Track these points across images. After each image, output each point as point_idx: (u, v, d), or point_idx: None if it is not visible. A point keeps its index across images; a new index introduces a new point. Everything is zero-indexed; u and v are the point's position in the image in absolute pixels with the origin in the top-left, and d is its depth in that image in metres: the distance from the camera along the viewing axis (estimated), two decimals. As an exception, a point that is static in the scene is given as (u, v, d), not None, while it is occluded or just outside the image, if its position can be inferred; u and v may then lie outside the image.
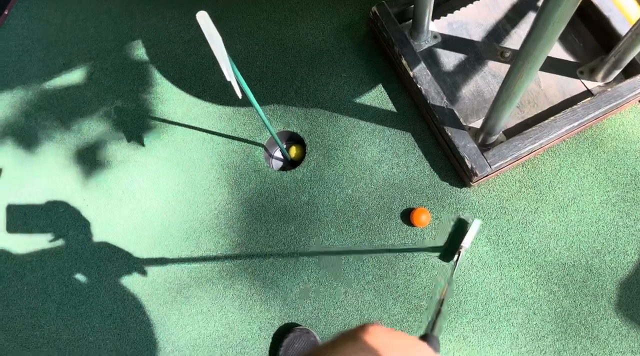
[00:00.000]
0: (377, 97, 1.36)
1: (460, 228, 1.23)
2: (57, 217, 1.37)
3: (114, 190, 1.38)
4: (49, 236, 1.36)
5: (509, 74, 0.94)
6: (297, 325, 1.21)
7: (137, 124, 1.43)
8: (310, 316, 1.21)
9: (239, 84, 0.88)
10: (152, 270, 1.29)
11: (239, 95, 0.87)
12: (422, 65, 1.26)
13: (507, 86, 0.97)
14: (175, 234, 1.32)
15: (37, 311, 1.30)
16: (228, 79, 0.81)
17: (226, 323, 1.23)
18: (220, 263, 1.28)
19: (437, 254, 1.22)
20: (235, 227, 1.30)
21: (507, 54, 1.32)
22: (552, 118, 1.18)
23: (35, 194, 1.40)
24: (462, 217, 1.23)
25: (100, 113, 1.46)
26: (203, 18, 0.75)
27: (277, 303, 1.23)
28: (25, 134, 1.47)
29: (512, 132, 1.23)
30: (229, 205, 1.32)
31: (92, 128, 1.45)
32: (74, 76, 1.51)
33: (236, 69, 0.85)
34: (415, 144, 1.31)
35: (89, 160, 1.42)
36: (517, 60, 0.88)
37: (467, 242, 1.16)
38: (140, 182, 1.37)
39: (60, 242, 1.35)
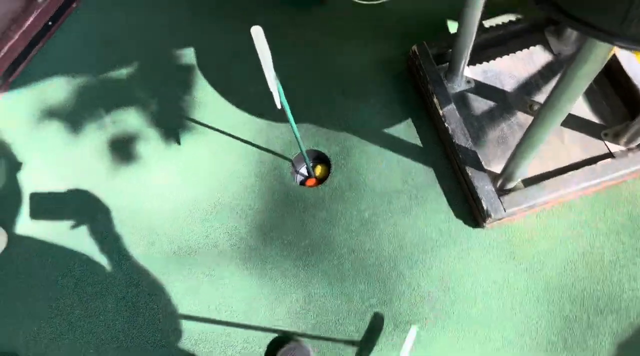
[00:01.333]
0: (405, 130, 1.43)
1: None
2: (88, 199, 1.46)
3: (146, 182, 1.46)
4: (78, 217, 1.44)
5: (533, 123, 0.99)
6: (295, 335, 1.25)
7: (175, 124, 1.52)
8: (311, 328, 1.25)
9: (279, 97, 0.96)
10: (168, 261, 1.36)
11: (278, 105, 0.94)
12: (453, 106, 1.33)
13: (530, 135, 1.03)
14: (197, 231, 1.38)
15: (55, 284, 1.37)
16: (271, 89, 0.88)
17: (231, 322, 1.28)
18: (234, 265, 1.34)
19: (442, 288, 1.25)
20: (253, 232, 1.36)
21: (536, 107, 1.37)
22: (571, 173, 1.22)
23: (71, 176, 1.49)
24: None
25: (143, 109, 1.56)
26: (257, 33, 0.83)
27: (282, 311, 1.28)
28: (73, 119, 1.57)
29: (530, 182, 1.27)
30: (251, 211, 1.39)
31: (134, 121, 1.54)
32: (126, 72, 1.62)
33: (279, 83, 0.93)
34: (436, 180, 1.36)
35: (126, 150, 1.51)
36: (541, 110, 0.94)
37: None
38: (171, 178, 1.46)
39: (87, 224, 1.43)
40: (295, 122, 1.45)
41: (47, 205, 1.47)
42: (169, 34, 1.66)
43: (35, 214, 1.46)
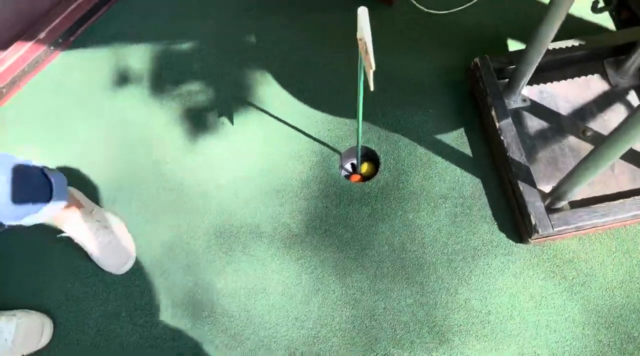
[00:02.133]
0: (457, 139, 1.45)
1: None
2: (138, 167, 1.47)
3: (194, 157, 1.47)
4: (121, 187, 1.45)
5: (591, 154, 1.02)
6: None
7: (231, 104, 1.54)
8: (344, 321, 1.26)
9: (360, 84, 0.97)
10: (209, 237, 1.37)
11: (372, 87, 0.96)
12: (510, 120, 1.35)
13: (586, 163, 1.05)
14: (239, 212, 1.39)
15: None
16: (373, 68, 0.90)
17: (266, 305, 1.29)
18: (273, 249, 1.34)
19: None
20: (296, 218, 1.37)
21: (589, 133, 1.39)
22: (621, 200, 1.24)
23: (116, 142, 1.51)
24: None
25: (201, 85, 1.58)
26: (363, 12, 0.85)
27: (317, 301, 1.28)
28: (127, 85, 1.59)
29: (577, 204, 1.29)
30: (296, 199, 1.40)
31: (191, 96, 1.56)
32: (189, 46, 1.64)
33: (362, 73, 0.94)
34: (483, 191, 1.38)
35: (179, 124, 1.52)
36: (601, 144, 0.97)
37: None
38: (221, 156, 1.47)
39: (123, 194, 1.44)
40: (352, 117, 1.49)
41: (105, 167, 1.48)
42: (235, 14, 1.69)
43: (83, 184, 1.47)
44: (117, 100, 1.58)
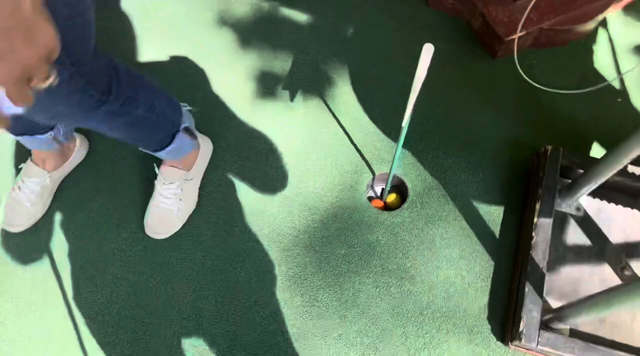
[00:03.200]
0: (492, 214, 1.38)
1: None
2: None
3: (251, 121, 1.51)
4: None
5: (617, 290, 0.93)
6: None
7: (297, 83, 1.56)
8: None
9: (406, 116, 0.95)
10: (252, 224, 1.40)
11: (404, 122, 0.93)
12: (550, 221, 1.26)
13: (607, 297, 0.96)
14: (269, 201, 1.41)
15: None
16: (409, 103, 0.87)
17: (290, 325, 1.27)
18: (295, 247, 1.36)
19: None
20: (302, 214, 1.37)
21: (627, 273, 1.28)
22: (623, 354, 1.13)
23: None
24: None
25: (284, 59, 1.61)
26: (428, 50, 0.82)
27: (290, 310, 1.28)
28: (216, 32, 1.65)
29: (577, 335, 1.19)
30: (311, 194, 1.40)
31: (268, 66, 1.60)
32: (293, 18, 1.67)
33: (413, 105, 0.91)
34: (490, 275, 1.31)
35: (248, 80, 1.57)
36: (622, 287, 0.88)
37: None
38: (269, 121, 1.50)
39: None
40: (404, 146, 1.45)
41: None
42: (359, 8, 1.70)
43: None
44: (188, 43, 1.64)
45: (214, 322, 1.25)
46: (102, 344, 1.23)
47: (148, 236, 1.33)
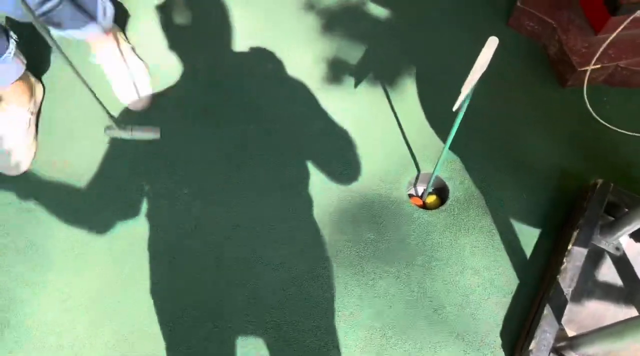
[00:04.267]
0: (527, 235, 1.38)
1: None
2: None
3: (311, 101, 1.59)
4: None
5: (632, 320, 0.93)
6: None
7: (364, 73, 1.62)
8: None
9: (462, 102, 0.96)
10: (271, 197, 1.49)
11: (455, 106, 0.94)
12: (584, 251, 1.26)
13: (613, 327, 0.97)
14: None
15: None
16: (457, 105, 0.90)
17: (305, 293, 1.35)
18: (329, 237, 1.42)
19: None
20: (341, 192, 1.43)
21: (654, 322, 1.25)
22: (630, 397, 1.11)
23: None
24: None
25: (353, 50, 1.68)
26: (492, 43, 0.85)
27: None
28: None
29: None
30: (348, 177, 1.45)
31: (341, 53, 1.67)
32: (373, 13, 1.74)
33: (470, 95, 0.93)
34: (512, 292, 1.31)
35: (316, 67, 1.65)
36: (633, 320, 0.88)
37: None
38: (328, 109, 1.57)
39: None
40: (454, 151, 1.48)
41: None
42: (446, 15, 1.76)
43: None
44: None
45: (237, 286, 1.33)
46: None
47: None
